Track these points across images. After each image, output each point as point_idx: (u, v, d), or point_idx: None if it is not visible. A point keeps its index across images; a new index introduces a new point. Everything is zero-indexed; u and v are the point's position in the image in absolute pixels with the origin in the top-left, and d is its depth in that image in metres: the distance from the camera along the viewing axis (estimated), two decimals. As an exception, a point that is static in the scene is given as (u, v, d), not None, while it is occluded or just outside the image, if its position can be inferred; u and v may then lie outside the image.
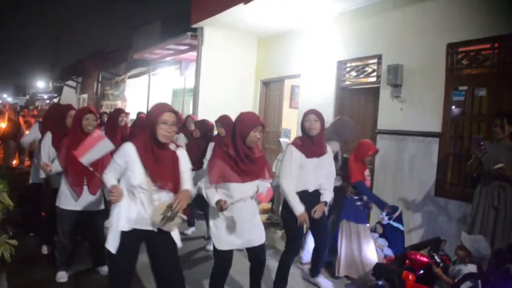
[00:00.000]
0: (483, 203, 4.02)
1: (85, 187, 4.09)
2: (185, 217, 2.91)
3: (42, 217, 5.27)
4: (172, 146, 3.00)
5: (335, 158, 4.78)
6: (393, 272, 3.61)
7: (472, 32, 5.00)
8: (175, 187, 2.93)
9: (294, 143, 3.94)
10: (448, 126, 5.25)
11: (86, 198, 4.09)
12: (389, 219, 4.80)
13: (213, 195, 3.26)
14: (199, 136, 5.94)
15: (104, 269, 4.36)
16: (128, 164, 2.86)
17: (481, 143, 3.94)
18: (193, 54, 9.68)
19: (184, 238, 5.94)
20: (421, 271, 3.50)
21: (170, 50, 10.48)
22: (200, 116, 8.39)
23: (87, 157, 3.85)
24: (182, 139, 6.65)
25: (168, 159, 2.94)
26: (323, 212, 4.02)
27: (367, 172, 4.71)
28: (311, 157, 3.87)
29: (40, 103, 24.33)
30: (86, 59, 19.17)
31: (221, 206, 3.16)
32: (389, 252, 4.70)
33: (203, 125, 6.01)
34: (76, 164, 3.93)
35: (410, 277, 3.46)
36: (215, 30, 8.71)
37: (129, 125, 6.50)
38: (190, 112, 9.09)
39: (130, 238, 2.88)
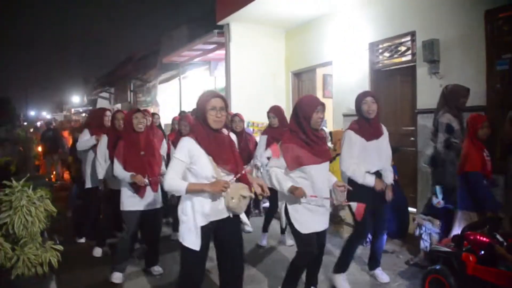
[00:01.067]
0: None
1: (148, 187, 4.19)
2: (253, 195, 2.91)
3: (98, 220, 5.38)
4: (224, 131, 3.04)
5: (450, 130, 4.52)
6: (451, 254, 3.42)
7: (512, -4, 4.74)
8: (238, 169, 2.96)
9: (351, 128, 3.90)
10: (493, 97, 4.98)
11: (148, 197, 4.19)
12: (446, 202, 4.53)
13: (286, 181, 3.24)
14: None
15: (157, 269, 4.45)
16: (192, 158, 2.84)
17: None
18: (221, 53, 9.65)
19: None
20: (482, 252, 3.29)
21: (198, 51, 10.48)
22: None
23: None
24: None
25: (226, 142, 2.98)
26: (384, 198, 3.95)
27: (486, 152, 4.06)
28: (371, 139, 3.82)
29: (77, 117, 25.10)
30: (116, 69, 19.48)
31: (299, 193, 3.15)
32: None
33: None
34: (136, 164, 4.12)
35: (470, 258, 3.26)
36: (241, 26, 8.65)
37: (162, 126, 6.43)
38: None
39: (207, 232, 2.90)
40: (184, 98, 12.41)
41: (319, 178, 3.31)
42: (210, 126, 2.88)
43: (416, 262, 4.41)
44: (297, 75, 9.16)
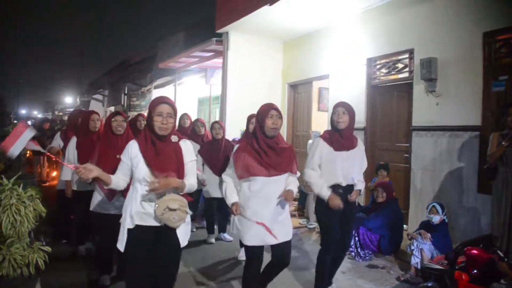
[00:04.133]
0: None
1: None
2: (189, 212, 2.84)
3: (71, 220, 5.35)
4: (174, 138, 2.95)
5: None
6: (444, 272, 3.41)
7: (510, 19, 4.78)
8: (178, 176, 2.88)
9: (322, 136, 3.86)
10: (489, 118, 5.02)
11: (117, 201, 4.03)
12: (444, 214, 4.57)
13: (231, 195, 3.25)
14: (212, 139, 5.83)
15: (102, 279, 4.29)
16: (132, 160, 2.89)
17: None
18: (218, 61, 9.65)
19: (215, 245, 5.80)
20: (475, 271, 3.28)
21: (195, 58, 10.48)
22: (227, 122, 8.34)
23: (13, 150, 3.44)
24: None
25: (169, 151, 2.90)
26: (352, 214, 3.91)
27: None
28: (340, 150, 3.73)
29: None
30: (112, 72, 19.40)
31: (233, 211, 3.18)
32: (435, 252, 4.46)
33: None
34: (110, 166, 3.87)
35: (463, 277, 3.25)
36: (240, 35, 8.68)
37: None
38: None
39: (136, 235, 2.84)
40: (179, 104, 12.33)
41: (267, 191, 3.20)
42: (156, 133, 2.85)
43: (407, 279, 4.39)
44: (293, 86, 9.18)
